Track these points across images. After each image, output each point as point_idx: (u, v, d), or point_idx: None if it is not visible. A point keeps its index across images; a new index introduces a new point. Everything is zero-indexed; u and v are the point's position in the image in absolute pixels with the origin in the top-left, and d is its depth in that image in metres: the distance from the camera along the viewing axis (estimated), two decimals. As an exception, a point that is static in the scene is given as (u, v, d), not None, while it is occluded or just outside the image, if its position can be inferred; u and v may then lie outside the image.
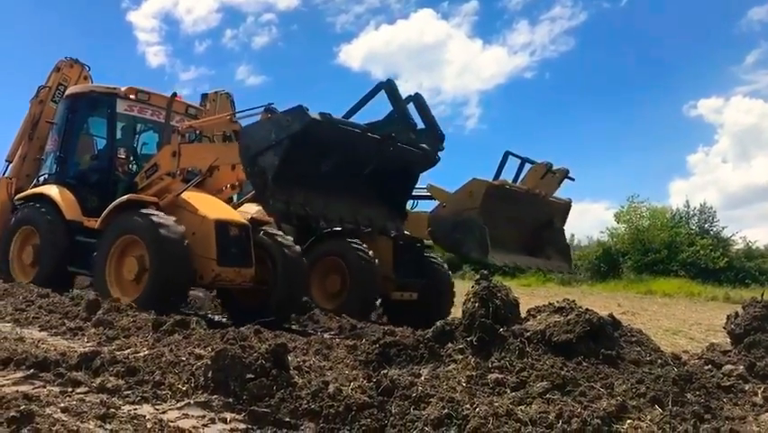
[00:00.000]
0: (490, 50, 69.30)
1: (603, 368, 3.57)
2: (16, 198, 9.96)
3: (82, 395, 3.44)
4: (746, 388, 3.72)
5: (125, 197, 7.94)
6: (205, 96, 12.15)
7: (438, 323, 4.24)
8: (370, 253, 9.78)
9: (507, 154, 10.55)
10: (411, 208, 10.14)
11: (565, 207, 11.05)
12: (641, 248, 31.64)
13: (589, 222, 77.82)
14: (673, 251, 30.92)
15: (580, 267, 31.31)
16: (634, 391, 3.33)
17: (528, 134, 60.88)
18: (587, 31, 62.68)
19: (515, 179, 10.46)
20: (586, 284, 29.20)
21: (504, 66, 66.92)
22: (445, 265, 11.68)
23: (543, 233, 10.68)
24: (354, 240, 9.89)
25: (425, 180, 9.93)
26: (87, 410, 3.10)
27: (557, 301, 4.23)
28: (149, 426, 2.95)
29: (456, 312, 7.44)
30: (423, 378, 3.65)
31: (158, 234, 7.20)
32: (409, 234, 10.28)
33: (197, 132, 9.24)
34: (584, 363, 3.58)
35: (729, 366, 4.02)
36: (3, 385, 3.53)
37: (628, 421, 2.99)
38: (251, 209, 8.81)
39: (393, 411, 3.17)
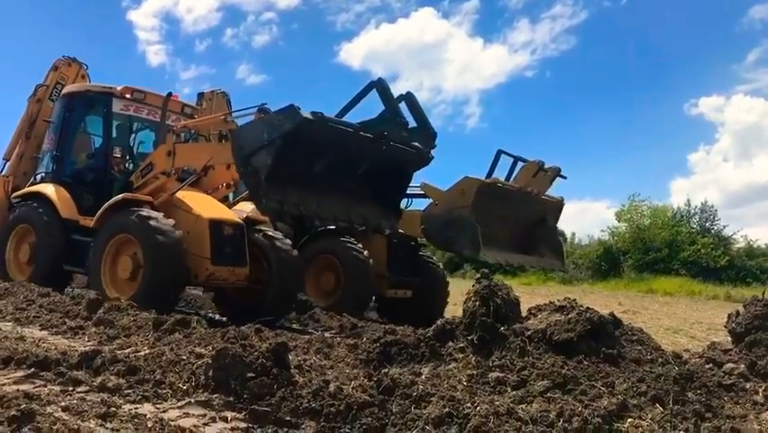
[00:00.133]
0: (491, 48, 69.45)
1: (604, 367, 3.57)
2: (13, 196, 9.98)
3: (83, 394, 3.44)
4: (747, 387, 3.71)
5: (120, 196, 7.95)
6: (201, 96, 12.19)
7: (439, 321, 4.25)
8: (365, 252, 9.82)
9: (499, 153, 10.58)
10: (405, 207, 10.14)
11: (558, 206, 11.05)
12: (642, 247, 31.68)
13: (589, 221, 77.83)
14: (674, 249, 30.97)
15: (580, 266, 31.38)
16: (635, 389, 3.33)
17: (529, 133, 60.99)
18: (588, 29, 62.76)
19: (507, 178, 10.46)
20: (587, 283, 29.22)
21: (504, 65, 67.03)
22: (440, 264, 11.70)
23: (535, 231, 10.66)
24: (348, 239, 9.93)
25: (420, 179, 9.98)
26: (88, 409, 3.10)
27: (558, 300, 4.24)
28: (149, 425, 2.95)
29: (457, 311, 7.44)
30: (423, 377, 3.65)
31: (152, 233, 7.20)
32: (403, 232, 10.30)
33: (193, 131, 9.24)
34: (585, 362, 3.58)
35: (730, 365, 4.01)
36: (3, 384, 3.53)
37: (629, 420, 2.99)
38: (247, 208, 8.80)
39: (394, 410, 3.18)
